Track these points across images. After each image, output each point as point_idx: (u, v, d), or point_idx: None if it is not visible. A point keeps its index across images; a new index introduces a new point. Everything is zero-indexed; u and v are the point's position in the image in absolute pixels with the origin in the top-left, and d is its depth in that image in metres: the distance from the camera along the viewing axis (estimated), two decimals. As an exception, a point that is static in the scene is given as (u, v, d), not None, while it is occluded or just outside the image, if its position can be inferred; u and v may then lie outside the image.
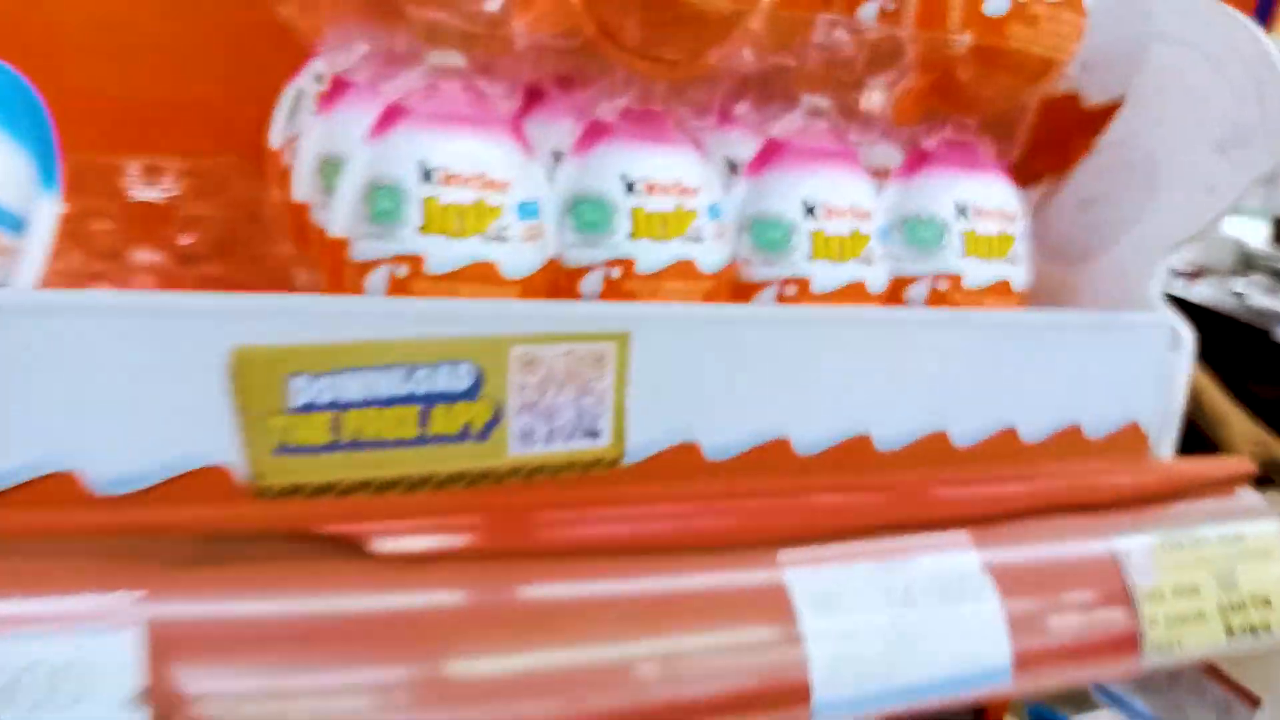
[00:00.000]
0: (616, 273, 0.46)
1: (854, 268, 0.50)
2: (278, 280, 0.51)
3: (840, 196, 0.51)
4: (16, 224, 0.39)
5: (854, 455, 0.49)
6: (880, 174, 0.56)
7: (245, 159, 0.63)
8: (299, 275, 0.51)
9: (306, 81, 0.59)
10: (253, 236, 0.57)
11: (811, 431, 0.48)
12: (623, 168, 0.47)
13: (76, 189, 0.59)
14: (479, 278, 0.43)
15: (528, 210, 0.45)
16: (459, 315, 0.40)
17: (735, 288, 0.50)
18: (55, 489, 0.35)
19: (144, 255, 0.56)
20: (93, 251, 0.54)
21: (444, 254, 0.43)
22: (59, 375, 0.35)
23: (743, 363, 0.46)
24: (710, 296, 0.48)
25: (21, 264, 0.40)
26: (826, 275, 0.50)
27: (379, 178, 0.44)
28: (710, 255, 0.48)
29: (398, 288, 0.43)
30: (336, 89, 0.52)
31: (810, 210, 0.50)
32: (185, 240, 0.56)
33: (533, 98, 0.52)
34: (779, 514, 0.45)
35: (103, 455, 0.36)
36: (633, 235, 0.46)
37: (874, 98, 0.54)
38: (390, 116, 0.45)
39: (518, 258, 0.44)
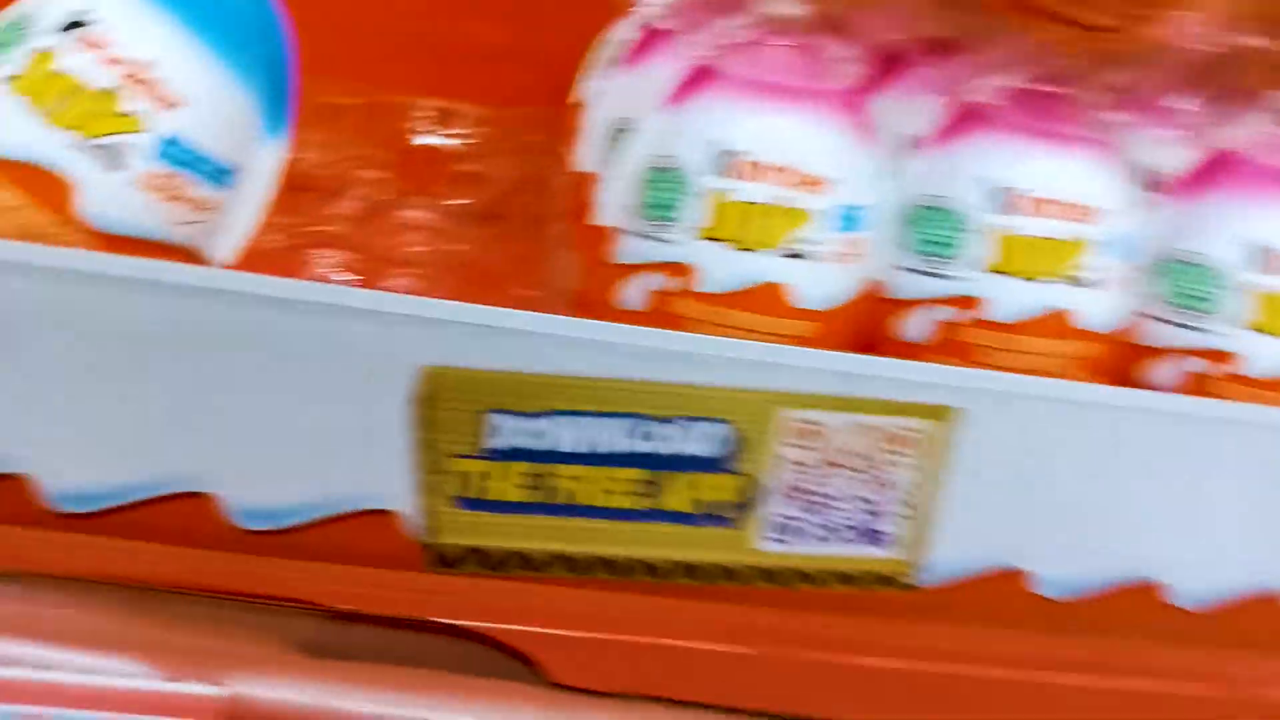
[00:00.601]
0: (958, 315, 0.34)
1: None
2: (550, 263, 0.42)
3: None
4: (226, 175, 0.33)
5: (1261, 617, 0.34)
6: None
7: (552, 111, 0.55)
8: (565, 259, 0.42)
9: (632, 27, 0.50)
10: (534, 202, 0.49)
11: (1201, 577, 0.33)
12: (992, 171, 0.34)
13: (359, 131, 0.54)
14: (764, 304, 0.32)
15: (849, 219, 0.33)
16: (718, 358, 0.29)
17: (1128, 355, 0.36)
18: (183, 511, 0.28)
19: (416, 212, 0.49)
20: (356, 201, 0.48)
21: (724, 268, 0.32)
22: (203, 367, 0.28)
23: (1117, 467, 0.32)
24: (1089, 365, 0.34)
25: (227, 221, 0.34)
26: (1270, 354, 0.34)
27: (660, 159, 0.33)
28: (1098, 306, 0.34)
29: (659, 303, 0.33)
30: (650, 38, 0.42)
31: (1257, 258, 0.34)
32: (460, 200, 0.50)
33: (888, 65, 0.39)
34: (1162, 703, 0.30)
35: (241, 479, 0.28)
36: (991, 267, 0.33)
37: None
38: (693, 81, 0.34)
39: (821, 281, 0.33)
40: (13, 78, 0.30)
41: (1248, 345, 0.34)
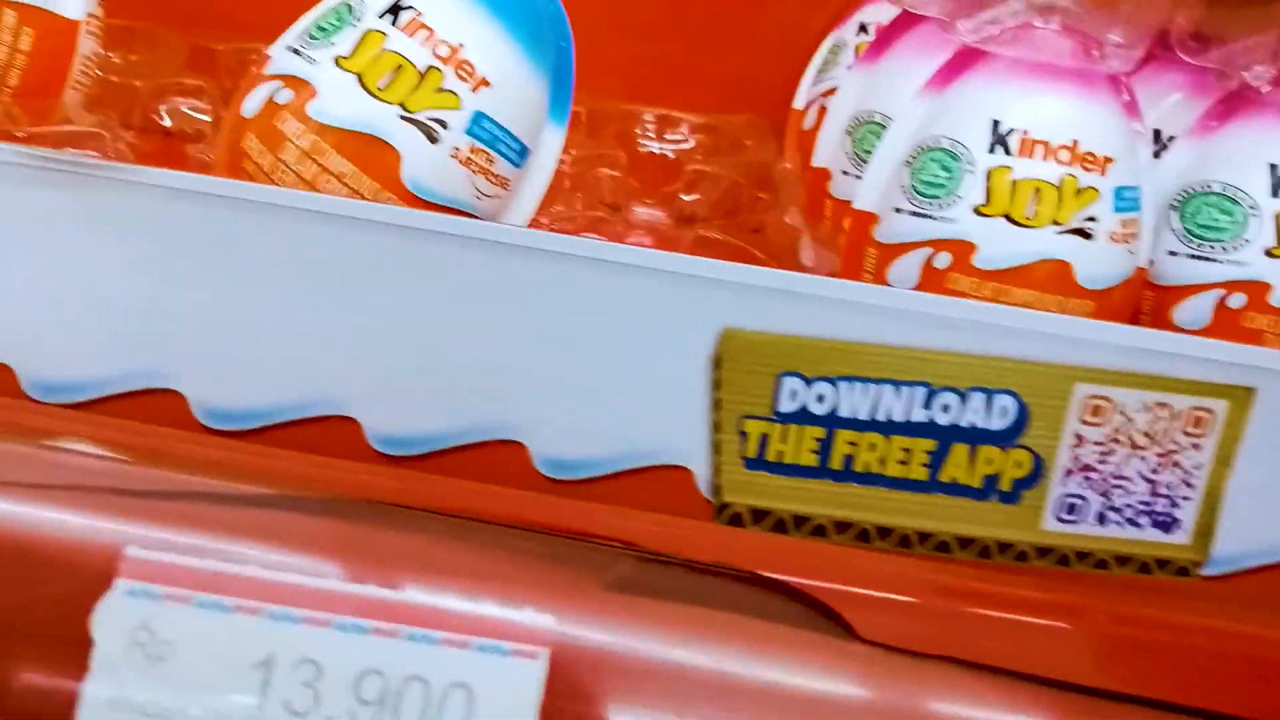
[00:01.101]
0: (1239, 301, 0.33)
1: None
2: (778, 254, 0.43)
3: None
4: (521, 154, 0.35)
5: None
6: None
7: (766, 118, 0.56)
8: (804, 252, 0.43)
9: (848, 32, 0.51)
10: (758, 203, 0.50)
11: None
12: (1269, 158, 0.33)
13: (591, 133, 0.56)
14: (1045, 282, 0.32)
15: (1126, 200, 0.33)
16: (1015, 329, 0.30)
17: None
18: (498, 460, 0.30)
19: (644, 211, 0.51)
20: (594, 199, 0.50)
21: (1003, 244, 0.32)
22: (508, 327, 0.30)
23: None
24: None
25: (519, 197, 0.35)
26: None
27: (933, 138, 0.34)
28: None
29: (932, 280, 0.33)
30: (889, 34, 0.43)
31: None
32: (687, 198, 0.51)
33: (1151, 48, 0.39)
34: None
35: (549, 431, 0.30)
36: (1273, 253, 0.33)
37: None
38: (959, 63, 0.35)
39: (1101, 261, 0.33)
40: (344, 57, 0.32)
41: None
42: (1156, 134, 0.38)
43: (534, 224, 0.46)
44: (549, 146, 0.36)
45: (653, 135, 0.56)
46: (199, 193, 0.30)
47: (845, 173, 0.43)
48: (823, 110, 0.49)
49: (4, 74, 0.41)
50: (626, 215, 0.51)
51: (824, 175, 0.45)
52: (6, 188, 0.30)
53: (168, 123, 0.50)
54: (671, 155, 0.55)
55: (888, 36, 0.43)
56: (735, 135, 0.56)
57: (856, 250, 0.36)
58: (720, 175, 0.54)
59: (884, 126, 0.41)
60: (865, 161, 0.41)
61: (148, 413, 0.30)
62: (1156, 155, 0.37)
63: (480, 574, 0.26)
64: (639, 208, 0.51)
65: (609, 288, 0.30)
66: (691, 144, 0.56)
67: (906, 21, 0.42)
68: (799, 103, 0.53)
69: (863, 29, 0.50)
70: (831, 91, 0.49)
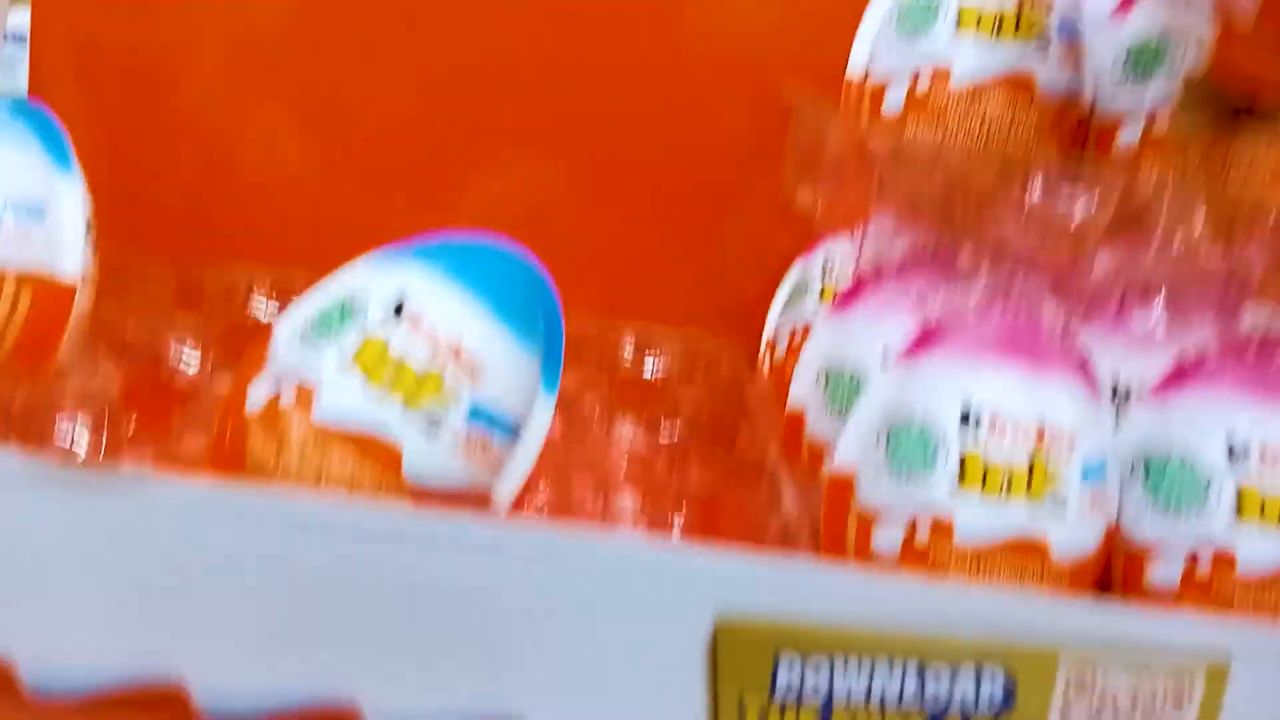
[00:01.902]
0: (1206, 566, 0.35)
1: None
2: (767, 500, 0.44)
3: None
4: (515, 430, 0.36)
5: None
6: None
7: (743, 338, 0.59)
8: (787, 494, 0.44)
9: (815, 267, 0.54)
10: (740, 430, 0.52)
11: None
12: (1227, 424, 0.36)
13: (573, 358, 0.58)
14: (1022, 556, 0.34)
15: (1093, 472, 0.35)
16: (997, 609, 0.31)
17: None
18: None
19: (627, 430, 0.53)
20: (576, 424, 0.51)
21: (981, 520, 0.34)
22: (508, 621, 0.31)
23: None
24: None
25: (511, 468, 0.37)
26: None
27: (907, 413, 0.36)
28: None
29: (914, 553, 0.35)
30: (858, 287, 0.46)
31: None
32: (668, 427, 0.53)
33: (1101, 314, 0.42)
34: None
35: (553, 714, 0.30)
36: (1238, 515, 0.35)
37: None
38: (927, 338, 0.37)
39: (1073, 534, 0.34)
40: (347, 357, 0.34)
41: None
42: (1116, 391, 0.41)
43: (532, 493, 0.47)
44: (540, 415, 0.37)
45: (632, 355, 0.58)
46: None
47: (819, 419, 0.45)
48: (792, 344, 0.51)
49: (1, 335, 0.42)
50: (615, 438, 0.52)
51: (799, 416, 0.46)
52: None
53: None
54: (652, 378, 0.57)
55: (857, 290, 0.45)
56: (713, 355, 0.58)
57: (838, 513, 0.37)
58: (701, 398, 0.56)
59: (857, 382, 0.43)
60: (839, 411, 0.43)
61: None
62: (1120, 411, 0.39)
63: None
64: (623, 427, 0.53)
65: (605, 579, 0.31)
66: (670, 365, 0.58)
67: (868, 282, 0.44)
68: (769, 333, 0.55)
69: (827, 268, 0.52)
70: (803, 328, 0.51)
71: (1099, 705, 0.32)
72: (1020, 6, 0.41)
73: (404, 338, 0.34)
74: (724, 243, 0.62)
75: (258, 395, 0.34)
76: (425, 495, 0.33)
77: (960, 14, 0.42)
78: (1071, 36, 0.43)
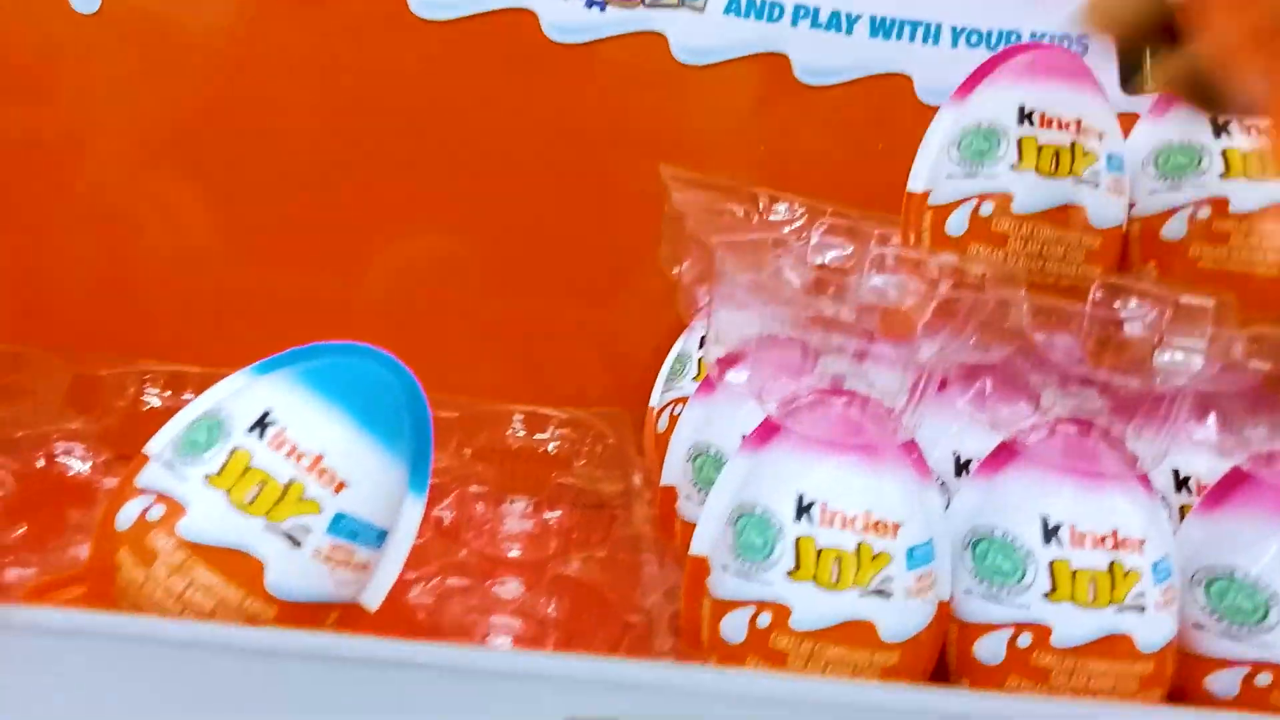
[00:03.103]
0: (1027, 640, 0.38)
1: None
2: (644, 580, 0.46)
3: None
4: (381, 537, 0.38)
5: None
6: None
7: (630, 411, 0.61)
8: (651, 571, 0.46)
9: (692, 342, 0.56)
10: (625, 507, 0.54)
11: None
12: (1042, 506, 0.39)
13: (467, 433, 0.60)
14: (852, 639, 0.36)
15: (919, 557, 0.37)
16: (815, 698, 0.33)
17: (1181, 669, 0.39)
18: None
19: (516, 514, 0.55)
20: (466, 501, 0.53)
21: (814, 607, 0.36)
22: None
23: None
24: (1149, 683, 0.38)
25: (379, 572, 0.39)
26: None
27: (749, 504, 0.38)
28: (1152, 628, 0.38)
29: (758, 638, 0.37)
30: (722, 369, 0.48)
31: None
32: (556, 506, 0.55)
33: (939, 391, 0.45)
34: None
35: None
36: (1050, 595, 0.37)
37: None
38: (768, 431, 0.40)
39: (902, 616, 0.37)
40: (212, 475, 0.35)
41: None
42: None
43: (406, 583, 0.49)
44: (408, 518, 0.39)
45: (522, 431, 0.60)
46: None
47: (689, 497, 0.48)
48: (673, 418, 0.54)
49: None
50: (500, 519, 0.54)
51: (672, 493, 0.49)
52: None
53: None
54: (541, 451, 0.59)
55: (719, 375, 0.48)
56: (599, 429, 0.60)
57: (695, 598, 0.40)
58: (587, 474, 0.58)
59: (720, 461, 0.45)
60: (704, 491, 0.45)
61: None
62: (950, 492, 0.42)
63: None
64: (513, 511, 0.55)
65: (463, 689, 0.33)
66: (560, 441, 0.60)
67: (728, 365, 0.47)
68: (654, 402, 0.58)
69: (700, 345, 0.55)
70: (680, 400, 0.53)
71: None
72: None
73: (266, 453, 0.36)
74: (618, 319, 0.65)
75: (129, 513, 0.36)
76: (290, 608, 0.35)
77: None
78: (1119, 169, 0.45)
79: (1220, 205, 0.43)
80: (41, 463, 0.51)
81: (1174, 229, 0.44)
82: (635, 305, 0.64)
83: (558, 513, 0.54)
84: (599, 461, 0.58)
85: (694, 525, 0.41)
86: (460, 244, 0.64)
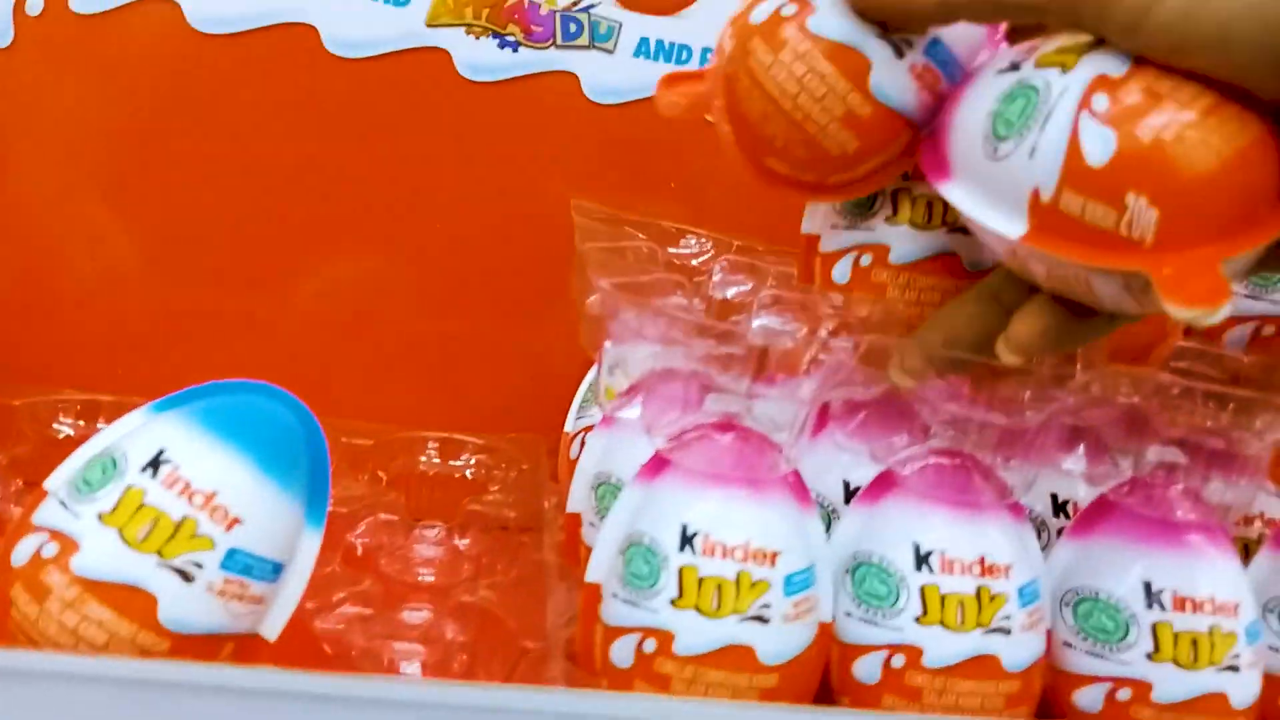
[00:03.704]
0: (900, 661, 0.39)
1: (1209, 677, 0.40)
2: (550, 603, 0.48)
3: (1195, 582, 0.41)
4: (276, 570, 0.39)
5: None
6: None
7: (546, 437, 0.62)
8: (554, 598, 0.47)
9: (603, 371, 0.58)
10: (536, 532, 0.55)
11: None
12: (915, 533, 0.40)
13: (382, 458, 0.61)
14: (733, 663, 0.38)
15: (796, 584, 0.39)
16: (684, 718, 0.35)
17: (1049, 686, 0.41)
18: None
19: (426, 541, 0.56)
20: (378, 528, 0.54)
21: (696, 633, 0.38)
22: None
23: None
24: (1015, 701, 0.40)
25: (276, 605, 0.39)
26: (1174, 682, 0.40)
27: (638, 534, 0.40)
28: (1019, 648, 0.40)
29: (644, 663, 0.38)
30: (625, 403, 0.50)
31: (1152, 598, 0.40)
32: (468, 533, 0.56)
33: (819, 424, 0.47)
34: None
35: None
36: (921, 620, 0.39)
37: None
38: (655, 466, 0.41)
39: (780, 640, 0.38)
40: (106, 513, 0.36)
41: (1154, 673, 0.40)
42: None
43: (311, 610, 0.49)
44: (305, 551, 0.40)
45: (436, 457, 0.61)
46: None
47: (591, 524, 0.49)
48: (584, 444, 0.55)
49: None
50: (411, 545, 0.55)
51: (578, 520, 0.50)
52: None
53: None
54: (455, 477, 0.61)
55: (619, 409, 0.49)
56: (513, 455, 0.62)
57: (588, 624, 0.41)
58: (498, 499, 0.59)
59: (619, 490, 0.47)
60: (605, 519, 0.47)
61: None
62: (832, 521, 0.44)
63: None
64: (424, 538, 0.56)
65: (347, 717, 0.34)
66: (474, 468, 0.61)
67: (630, 397, 0.48)
68: (568, 428, 0.59)
69: (610, 371, 0.56)
70: (591, 428, 0.55)
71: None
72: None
73: (159, 491, 0.36)
74: (536, 346, 0.66)
75: (24, 549, 0.37)
76: (184, 641, 0.36)
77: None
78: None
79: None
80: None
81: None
82: (553, 333, 0.65)
83: (467, 540, 0.55)
84: (512, 487, 0.59)
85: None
86: (380, 271, 0.65)
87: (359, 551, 0.54)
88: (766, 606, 0.38)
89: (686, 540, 0.39)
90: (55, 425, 0.57)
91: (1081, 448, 0.44)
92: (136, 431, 0.38)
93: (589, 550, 0.49)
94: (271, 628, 0.39)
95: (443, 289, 0.65)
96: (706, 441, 0.41)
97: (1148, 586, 0.41)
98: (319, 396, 0.41)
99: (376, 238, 0.65)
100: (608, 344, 0.52)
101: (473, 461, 0.61)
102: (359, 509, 0.57)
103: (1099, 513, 0.43)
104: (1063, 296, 0.37)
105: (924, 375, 0.40)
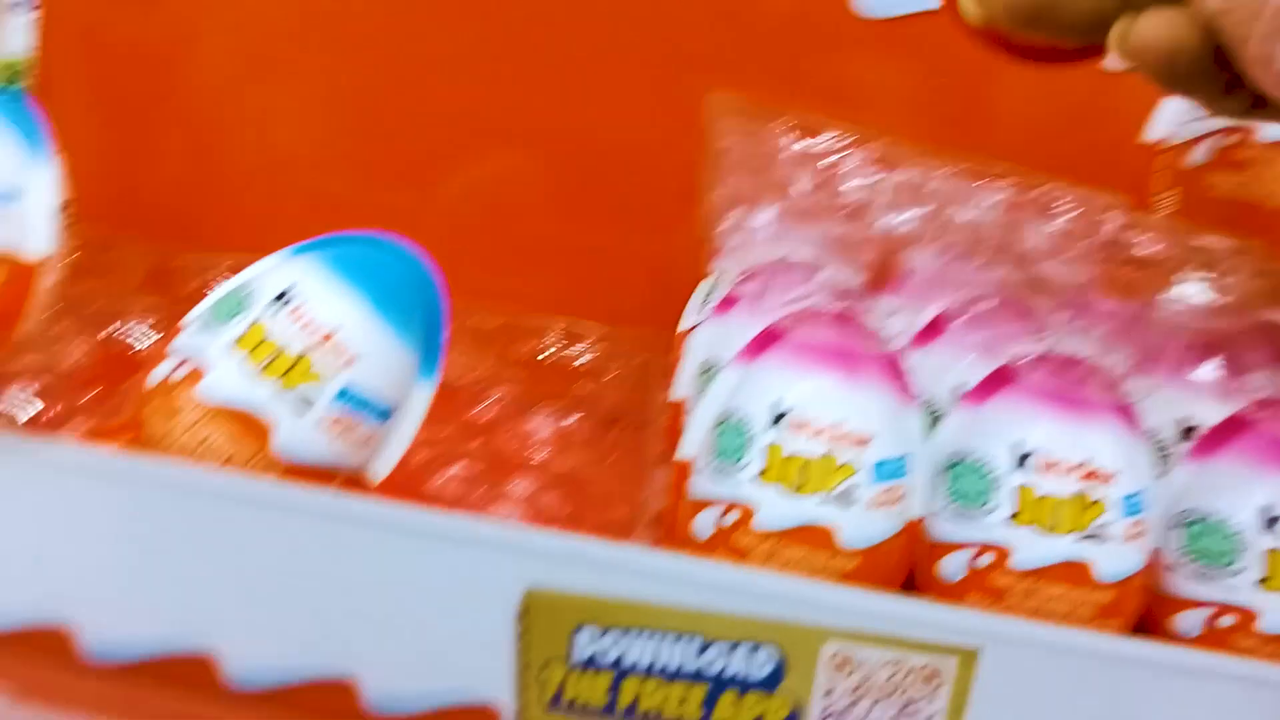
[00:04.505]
0: (987, 560, 0.38)
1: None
2: (648, 483, 0.49)
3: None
4: (386, 414, 0.41)
5: None
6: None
7: (664, 333, 0.63)
8: (660, 480, 0.48)
9: (723, 262, 0.58)
10: (641, 418, 0.56)
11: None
12: (1015, 433, 0.39)
13: (504, 340, 0.62)
14: (810, 544, 0.38)
15: (886, 471, 0.39)
16: (771, 593, 0.35)
17: (1149, 605, 0.40)
18: (327, 697, 0.35)
19: (538, 421, 0.57)
20: (491, 409, 0.56)
21: (776, 511, 0.38)
22: (346, 583, 0.35)
23: (1121, 714, 0.36)
24: (1107, 612, 0.38)
25: (385, 447, 0.42)
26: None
27: (730, 410, 0.40)
28: (1115, 559, 0.38)
29: (721, 536, 0.39)
30: (738, 291, 0.50)
31: (1272, 526, 0.38)
32: (578, 412, 0.57)
33: (932, 326, 0.45)
34: None
35: (378, 671, 0.35)
36: (1014, 519, 0.38)
37: None
38: (758, 345, 0.41)
39: (863, 525, 0.38)
40: (232, 342, 0.39)
41: (1261, 601, 0.38)
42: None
43: (428, 439, 0.52)
44: (416, 400, 0.42)
45: (554, 346, 0.63)
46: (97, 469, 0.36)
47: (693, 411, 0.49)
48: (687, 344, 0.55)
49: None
50: (522, 425, 0.57)
51: (681, 408, 0.51)
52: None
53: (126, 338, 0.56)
54: (573, 364, 0.62)
55: (732, 297, 0.49)
56: (631, 347, 0.62)
57: (675, 498, 0.42)
58: (615, 390, 0.60)
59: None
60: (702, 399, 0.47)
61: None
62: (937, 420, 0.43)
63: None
64: (536, 420, 0.57)
65: (432, 551, 0.35)
66: (593, 355, 0.62)
67: (744, 281, 0.48)
68: (684, 324, 0.60)
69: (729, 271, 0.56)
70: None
71: (859, 684, 0.36)
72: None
73: (283, 324, 0.39)
74: (666, 241, 0.66)
75: (157, 373, 0.40)
76: (295, 470, 0.38)
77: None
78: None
79: (1244, 134, 0.42)
80: (110, 335, 0.56)
81: (1197, 157, 0.43)
82: (681, 230, 0.66)
83: (578, 422, 0.56)
84: (627, 378, 0.60)
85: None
86: (520, 165, 0.66)
87: (475, 425, 0.56)
88: (852, 489, 0.38)
89: (777, 418, 0.39)
90: (210, 286, 0.60)
91: (1211, 361, 0.41)
92: (269, 271, 0.41)
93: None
94: (378, 470, 0.42)
95: (577, 184, 0.66)
96: (810, 325, 0.40)
97: (1266, 512, 0.38)
98: (453, 280, 0.43)
99: (517, 133, 0.66)
100: (729, 232, 0.52)
101: (592, 351, 0.62)
102: (481, 386, 0.59)
103: (1224, 432, 0.40)
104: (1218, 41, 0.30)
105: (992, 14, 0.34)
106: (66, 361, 0.51)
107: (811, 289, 0.43)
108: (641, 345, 0.62)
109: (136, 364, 0.55)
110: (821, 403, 0.39)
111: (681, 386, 0.51)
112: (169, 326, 0.57)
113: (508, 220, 0.67)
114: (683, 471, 0.42)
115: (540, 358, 0.62)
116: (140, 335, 0.56)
